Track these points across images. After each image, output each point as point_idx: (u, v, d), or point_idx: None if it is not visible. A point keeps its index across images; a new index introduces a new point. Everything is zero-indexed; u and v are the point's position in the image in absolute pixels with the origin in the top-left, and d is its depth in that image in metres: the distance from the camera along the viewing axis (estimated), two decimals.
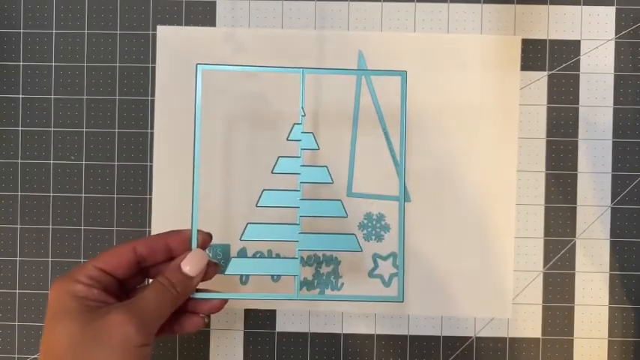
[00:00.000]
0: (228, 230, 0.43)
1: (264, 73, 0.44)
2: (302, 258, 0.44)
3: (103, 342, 0.29)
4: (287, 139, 0.35)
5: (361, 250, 0.35)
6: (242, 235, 0.35)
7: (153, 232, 0.44)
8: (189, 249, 0.34)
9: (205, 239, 0.35)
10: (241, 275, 0.44)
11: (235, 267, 0.35)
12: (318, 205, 0.35)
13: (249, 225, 0.35)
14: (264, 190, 0.35)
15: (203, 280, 0.34)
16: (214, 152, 0.44)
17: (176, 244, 0.34)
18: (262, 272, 0.35)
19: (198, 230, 0.34)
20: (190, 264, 0.33)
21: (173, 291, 0.32)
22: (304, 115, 0.35)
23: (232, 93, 0.44)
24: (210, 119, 0.44)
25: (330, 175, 0.35)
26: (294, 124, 0.35)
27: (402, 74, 0.35)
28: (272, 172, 0.35)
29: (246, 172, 0.44)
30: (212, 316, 0.44)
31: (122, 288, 0.34)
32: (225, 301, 0.35)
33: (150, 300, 0.31)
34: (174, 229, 0.35)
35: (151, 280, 0.34)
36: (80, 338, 0.30)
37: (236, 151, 0.44)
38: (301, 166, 0.35)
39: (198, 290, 0.35)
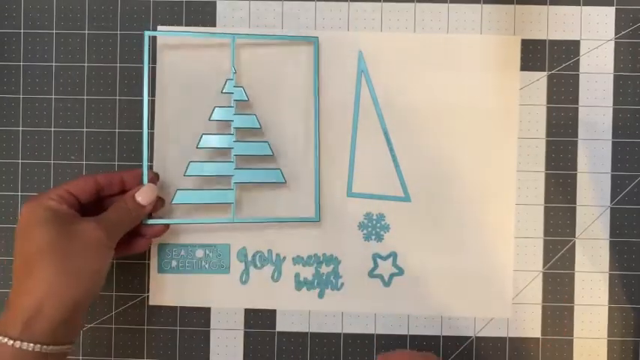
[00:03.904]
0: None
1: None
2: (296, 259, 0.44)
3: (79, 239, 0.36)
4: (221, 92, 0.43)
5: (284, 182, 0.43)
6: (186, 171, 0.42)
7: None
8: (141, 184, 0.41)
9: (153, 177, 0.42)
10: (241, 274, 0.44)
11: (181, 197, 0.42)
12: (248, 147, 0.43)
13: (191, 163, 0.42)
14: (203, 133, 0.42)
15: (152, 211, 0.41)
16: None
17: (129, 178, 0.41)
18: (203, 201, 0.42)
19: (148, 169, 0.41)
20: (142, 195, 0.40)
21: (130, 213, 0.39)
22: (235, 72, 0.43)
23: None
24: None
25: (259, 121, 0.43)
26: (227, 79, 0.43)
27: (315, 39, 0.44)
28: (209, 120, 0.42)
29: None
30: (212, 315, 0.44)
31: (83, 214, 0.39)
32: (167, 226, 0.42)
33: (112, 216, 0.39)
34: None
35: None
36: (57, 237, 0.35)
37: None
38: (234, 114, 0.43)
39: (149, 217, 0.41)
